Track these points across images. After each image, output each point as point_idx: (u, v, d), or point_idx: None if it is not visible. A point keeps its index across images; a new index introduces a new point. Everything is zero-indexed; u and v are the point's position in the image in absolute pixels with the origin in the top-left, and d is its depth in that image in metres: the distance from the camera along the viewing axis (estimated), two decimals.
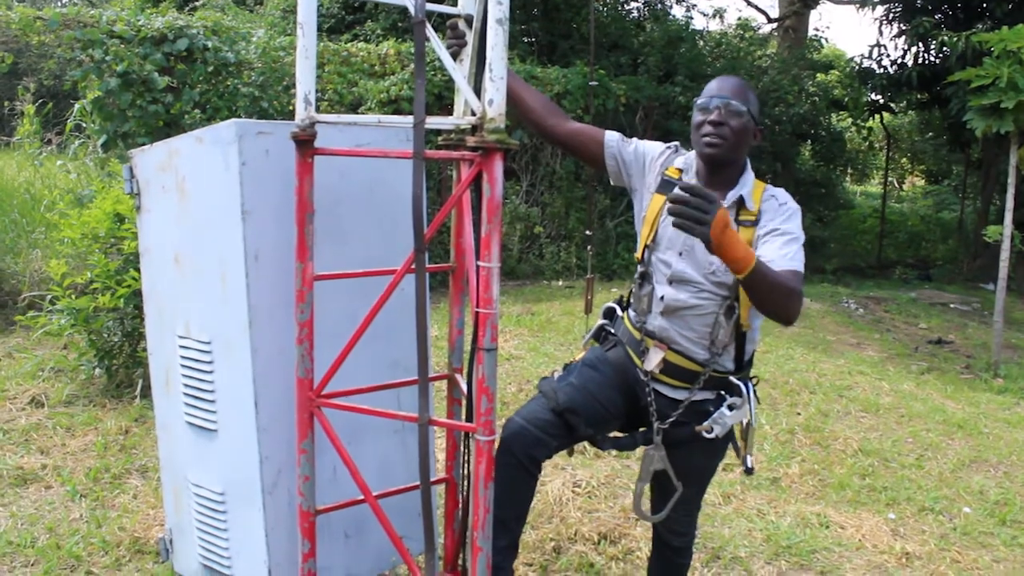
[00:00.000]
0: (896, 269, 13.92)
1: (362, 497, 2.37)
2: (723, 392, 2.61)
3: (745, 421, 2.65)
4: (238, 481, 2.52)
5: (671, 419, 2.59)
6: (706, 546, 3.78)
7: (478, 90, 2.23)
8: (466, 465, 2.57)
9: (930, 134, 18.14)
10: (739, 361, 2.63)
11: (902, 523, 4.20)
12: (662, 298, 2.58)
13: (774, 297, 2.28)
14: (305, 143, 2.10)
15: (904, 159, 21.78)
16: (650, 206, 2.66)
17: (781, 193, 2.58)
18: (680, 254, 2.56)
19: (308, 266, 2.18)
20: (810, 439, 5.20)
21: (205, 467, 2.66)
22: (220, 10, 12.83)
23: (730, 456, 2.90)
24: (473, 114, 2.14)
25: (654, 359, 2.59)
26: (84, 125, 8.36)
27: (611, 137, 2.75)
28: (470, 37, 2.42)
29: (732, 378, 2.61)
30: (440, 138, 2.41)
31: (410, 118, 2.06)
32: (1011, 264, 7.57)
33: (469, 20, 2.44)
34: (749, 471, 2.75)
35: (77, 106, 8.14)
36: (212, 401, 2.56)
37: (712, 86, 2.57)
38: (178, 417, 2.75)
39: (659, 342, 2.61)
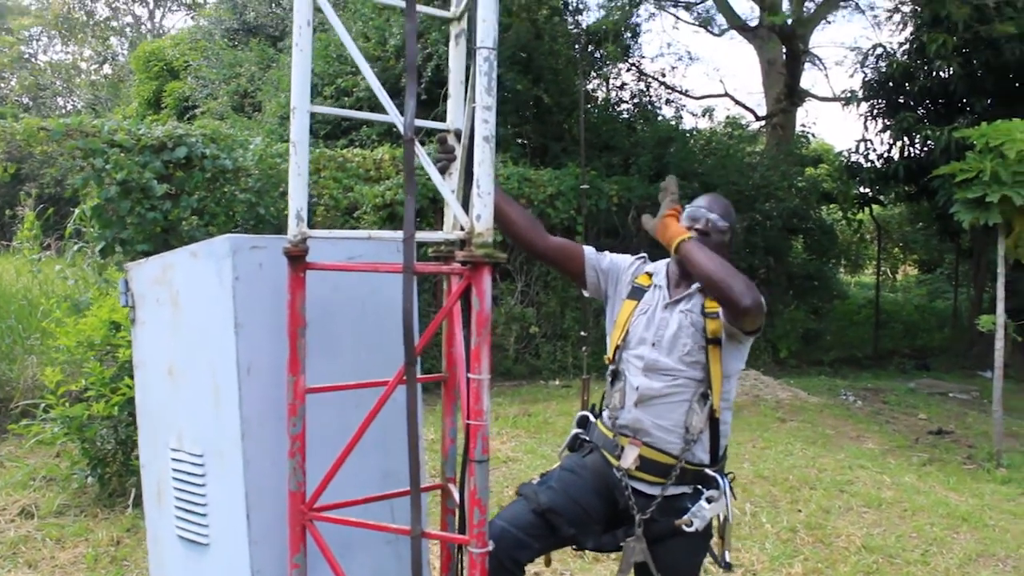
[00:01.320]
0: (893, 359, 13.92)
1: None
2: (699, 486, 2.67)
3: (722, 516, 2.72)
4: None
5: (650, 510, 2.64)
6: None
7: (466, 204, 2.28)
8: None
9: (920, 224, 18.36)
10: (714, 454, 2.70)
11: None
12: (637, 388, 2.68)
13: (710, 268, 2.54)
14: (297, 258, 2.14)
15: (896, 249, 21.99)
16: (621, 310, 2.83)
17: None
18: (652, 345, 2.70)
19: (300, 379, 2.20)
20: (812, 537, 5.13)
21: None
22: (219, 118, 13.14)
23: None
24: (462, 228, 2.19)
25: (630, 456, 2.67)
26: (84, 230, 8.45)
27: (589, 251, 2.93)
28: (458, 151, 2.48)
29: (707, 471, 2.68)
30: (431, 250, 2.45)
31: (400, 233, 2.10)
32: (1008, 352, 7.56)
33: (458, 134, 2.50)
34: (727, 567, 2.80)
35: (77, 211, 8.24)
36: (204, 515, 2.54)
37: (703, 201, 2.82)
38: (169, 530, 2.72)
39: (633, 438, 2.68)
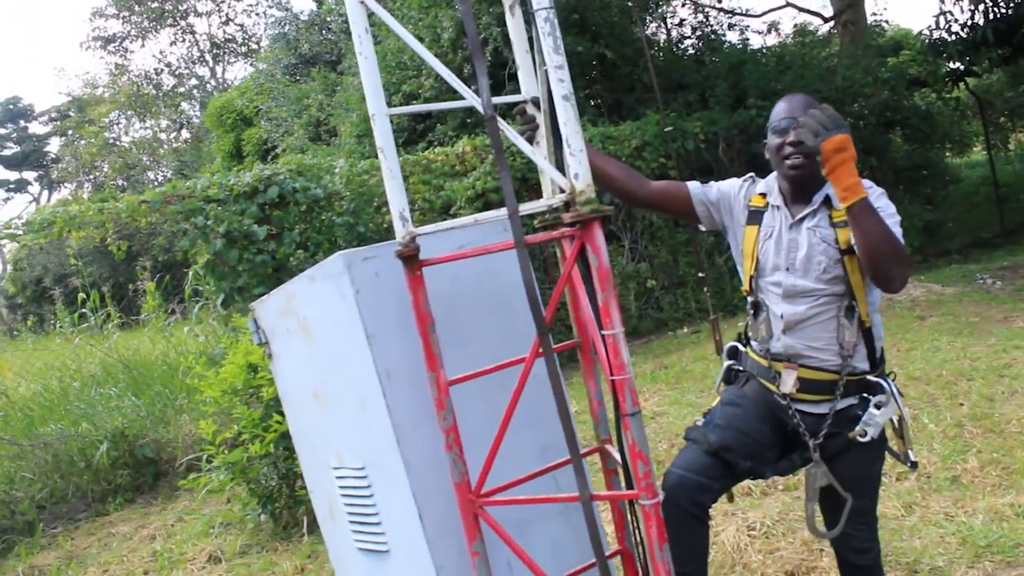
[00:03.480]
0: None
1: None
2: (865, 394, 2.62)
3: (896, 417, 2.67)
4: None
5: (823, 432, 2.59)
6: (899, 562, 3.61)
7: (560, 167, 2.28)
8: (637, 532, 2.55)
9: (1023, 87, 17.42)
10: (872, 360, 2.64)
11: None
12: (781, 316, 2.63)
13: (881, 240, 2.36)
14: (411, 258, 2.17)
15: (1002, 118, 20.92)
16: (745, 238, 2.76)
17: (866, 181, 2.61)
18: (787, 269, 2.63)
19: (440, 374, 2.23)
20: (981, 428, 4.95)
21: None
22: (300, 151, 13.44)
23: (897, 463, 2.83)
24: (562, 191, 2.19)
25: (789, 380, 2.63)
26: (201, 288, 8.80)
27: (694, 186, 2.86)
28: (540, 119, 2.48)
29: (870, 378, 2.63)
30: (536, 221, 2.45)
31: (504, 211, 2.12)
32: None
33: (536, 102, 2.50)
34: (914, 465, 2.75)
35: (191, 273, 8.58)
36: (378, 523, 2.61)
37: (781, 107, 2.64)
38: (349, 545, 2.81)
39: (788, 362, 2.63)
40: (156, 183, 32.76)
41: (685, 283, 10.19)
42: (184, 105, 36.44)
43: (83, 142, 36.06)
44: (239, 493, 5.59)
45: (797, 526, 4.07)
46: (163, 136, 36.47)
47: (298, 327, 2.68)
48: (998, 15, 12.38)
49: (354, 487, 2.65)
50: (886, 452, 2.74)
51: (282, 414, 4.68)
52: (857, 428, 2.57)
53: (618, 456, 2.46)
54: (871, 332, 2.61)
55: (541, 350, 2.13)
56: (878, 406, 2.57)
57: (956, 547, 3.65)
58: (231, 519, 5.73)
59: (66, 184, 38.74)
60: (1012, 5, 11.91)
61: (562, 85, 2.03)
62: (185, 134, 35.75)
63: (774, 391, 2.66)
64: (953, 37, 13.15)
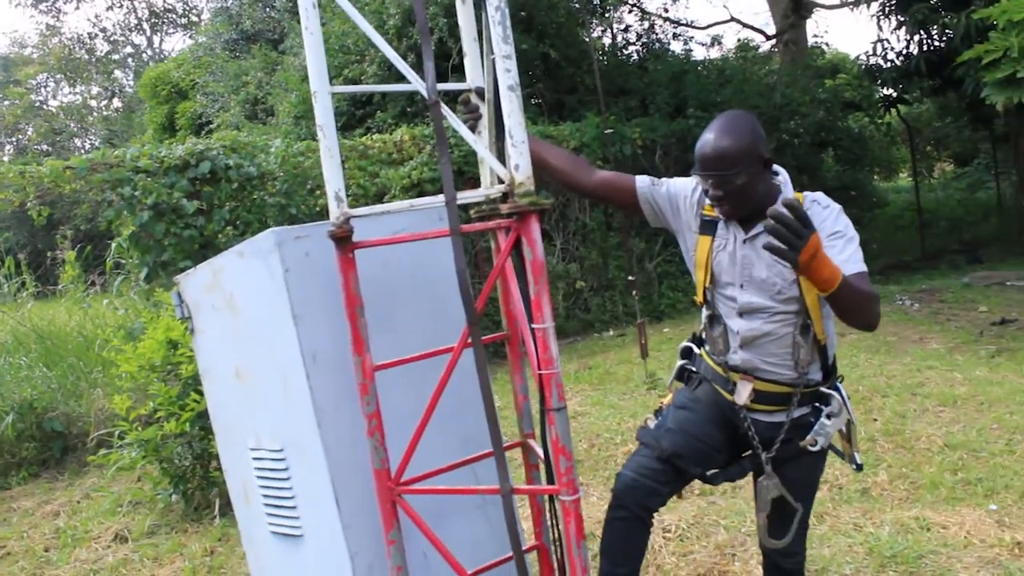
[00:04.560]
0: (943, 257, 13.68)
1: None
2: (817, 404, 2.64)
3: (845, 421, 2.68)
4: None
5: (776, 444, 2.61)
6: (809, 569, 3.67)
7: (502, 158, 2.27)
8: (555, 529, 2.56)
9: (949, 118, 17.99)
10: (825, 370, 2.65)
11: (1005, 513, 4.08)
12: (737, 332, 2.61)
13: (858, 308, 2.33)
14: (344, 239, 2.14)
15: (928, 147, 21.57)
16: (698, 248, 2.69)
17: (821, 196, 2.63)
18: (741, 286, 2.60)
19: (366, 358, 2.20)
20: (892, 443, 5.09)
21: (296, 573, 2.66)
22: (234, 128, 13.18)
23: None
24: (501, 182, 2.17)
25: (744, 392, 2.63)
26: (123, 261, 8.57)
27: (642, 182, 2.79)
28: (484, 109, 2.46)
29: (822, 388, 2.64)
30: (472, 211, 2.44)
31: (441, 198, 2.10)
32: None
33: (480, 92, 2.48)
34: (859, 467, 2.79)
35: (114, 244, 8.34)
36: (293, 507, 2.57)
37: (699, 152, 2.50)
38: (262, 528, 2.76)
39: (745, 375, 2.63)
40: (83, 151, 31.83)
41: (614, 286, 10.26)
42: (117, 73, 35.48)
43: (7, 103, 34.84)
44: (150, 472, 5.45)
45: (711, 530, 4.13)
46: (93, 103, 35.46)
47: (224, 303, 2.62)
48: (931, 47, 12.74)
49: (271, 469, 2.60)
50: (829, 453, 2.77)
51: (200, 393, 4.58)
52: (808, 437, 2.60)
53: (540, 451, 2.46)
54: (825, 346, 2.62)
55: (470, 340, 2.12)
56: (829, 416, 2.60)
57: (863, 557, 3.74)
58: (140, 498, 5.59)
59: None
60: (945, 39, 12.26)
61: (508, 75, 2.02)
62: (116, 103, 34.82)
63: (729, 399, 2.67)
64: (888, 64, 13.50)
